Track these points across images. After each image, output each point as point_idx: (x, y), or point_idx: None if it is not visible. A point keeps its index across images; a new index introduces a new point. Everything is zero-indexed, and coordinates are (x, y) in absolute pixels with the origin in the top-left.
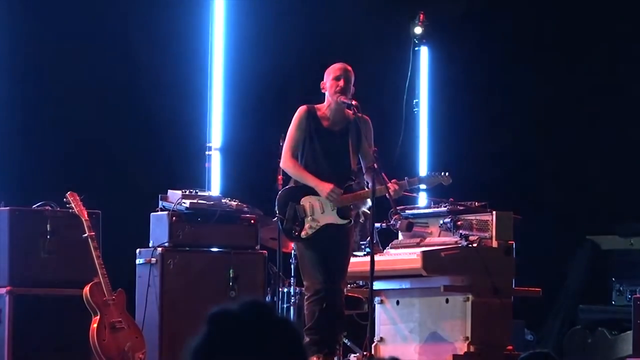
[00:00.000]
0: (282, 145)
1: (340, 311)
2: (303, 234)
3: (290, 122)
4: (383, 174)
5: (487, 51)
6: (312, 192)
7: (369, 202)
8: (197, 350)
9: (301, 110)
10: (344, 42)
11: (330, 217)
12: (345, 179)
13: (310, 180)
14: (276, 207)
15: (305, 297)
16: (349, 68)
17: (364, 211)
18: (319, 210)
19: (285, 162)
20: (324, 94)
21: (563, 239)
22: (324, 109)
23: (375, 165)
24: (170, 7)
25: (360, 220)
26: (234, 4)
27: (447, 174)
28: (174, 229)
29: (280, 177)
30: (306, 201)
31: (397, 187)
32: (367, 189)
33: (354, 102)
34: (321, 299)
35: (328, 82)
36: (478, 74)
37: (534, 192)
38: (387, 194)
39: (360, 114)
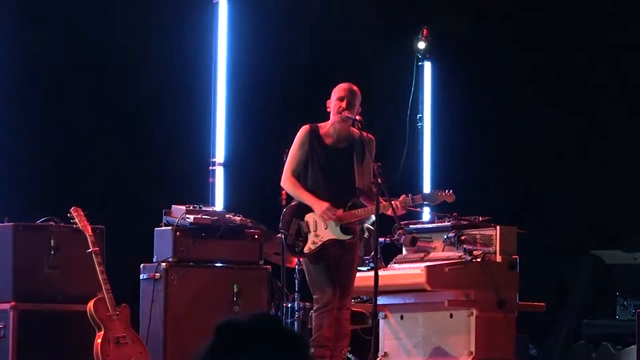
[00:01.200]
0: (286, 161)
1: (346, 327)
2: (306, 249)
3: (293, 138)
4: (378, 193)
5: (490, 66)
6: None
7: (373, 218)
8: None
9: (304, 129)
10: (347, 57)
11: (333, 233)
12: (349, 196)
13: (307, 199)
14: (280, 223)
15: (314, 308)
16: (355, 88)
17: (367, 227)
18: (322, 226)
19: (284, 181)
20: (328, 112)
21: (567, 254)
22: (327, 127)
23: (379, 180)
24: (173, 21)
25: (365, 236)
26: (238, 18)
27: (450, 191)
28: (177, 244)
29: (284, 192)
30: (310, 217)
31: (399, 204)
32: (367, 207)
33: (357, 118)
34: (329, 311)
35: (333, 101)
36: (481, 89)
37: (538, 206)
38: (390, 212)
39: (365, 132)
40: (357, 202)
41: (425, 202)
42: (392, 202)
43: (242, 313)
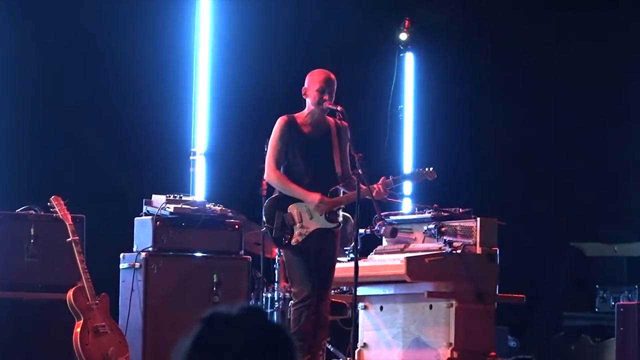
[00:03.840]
0: (267, 151)
1: (325, 318)
2: (293, 241)
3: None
4: (359, 184)
5: (472, 57)
6: (298, 199)
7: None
8: (190, 351)
9: (281, 121)
10: (329, 48)
11: (319, 223)
12: (330, 184)
13: (297, 192)
14: (264, 218)
15: (292, 302)
16: (332, 77)
17: (345, 215)
18: (307, 216)
19: (269, 175)
20: (304, 99)
21: (547, 246)
22: (304, 116)
23: (360, 171)
24: (154, 11)
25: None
26: (220, 7)
27: (431, 169)
28: (158, 233)
29: (265, 182)
30: (293, 209)
31: (381, 187)
32: (350, 193)
33: (339, 108)
34: (308, 305)
35: (312, 92)
36: (463, 81)
37: (518, 198)
38: (370, 196)
39: (342, 121)
40: (338, 189)
41: (406, 180)
42: (374, 185)
43: (221, 303)
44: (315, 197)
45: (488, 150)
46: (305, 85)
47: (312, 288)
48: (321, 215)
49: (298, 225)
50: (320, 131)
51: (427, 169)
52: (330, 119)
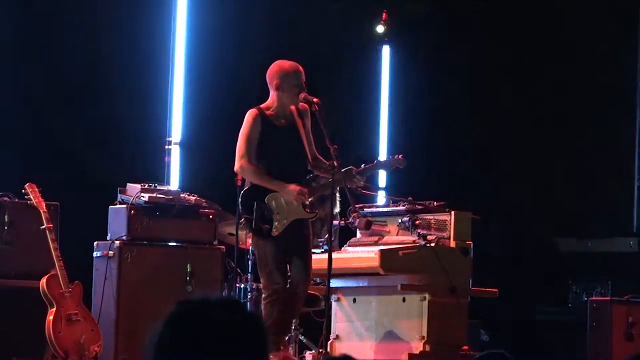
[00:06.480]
0: (238, 144)
1: (300, 306)
2: (274, 232)
3: None
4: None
5: (448, 51)
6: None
7: (338, 207)
8: (164, 339)
9: (253, 113)
10: (305, 40)
11: (297, 213)
12: (305, 173)
13: (274, 185)
14: (241, 208)
15: (263, 296)
16: (302, 69)
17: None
18: (285, 206)
19: (243, 168)
20: (274, 90)
21: (520, 240)
22: (273, 107)
23: (336, 163)
24: (132, 1)
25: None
26: None
27: (401, 156)
28: (132, 222)
29: None
30: (271, 199)
31: (355, 178)
32: (327, 178)
33: (315, 101)
34: (278, 300)
35: (288, 87)
36: (439, 74)
37: (493, 193)
38: (345, 187)
39: (316, 108)
40: (313, 177)
41: (378, 168)
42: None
43: (195, 293)
44: (293, 188)
45: (463, 144)
46: (277, 79)
47: (283, 284)
48: (298, 204)
49: (277, 215)
50: (289, 121)
51: (396, 157)
52: (293, 108)
